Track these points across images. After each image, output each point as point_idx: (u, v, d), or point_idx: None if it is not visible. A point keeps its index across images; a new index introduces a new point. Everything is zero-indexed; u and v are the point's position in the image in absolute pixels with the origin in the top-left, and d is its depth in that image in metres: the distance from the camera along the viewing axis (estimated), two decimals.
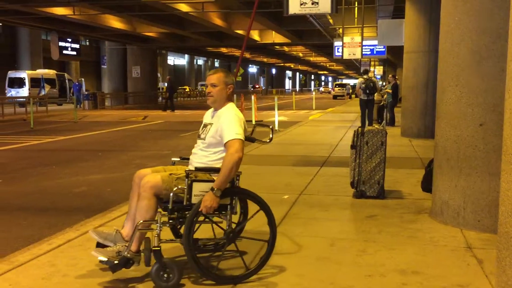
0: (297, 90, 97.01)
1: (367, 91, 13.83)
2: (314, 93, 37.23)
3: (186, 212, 3.28)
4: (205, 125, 3.59)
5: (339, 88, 52.73)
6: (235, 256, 3.66)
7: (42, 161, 9.95)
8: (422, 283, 3.29)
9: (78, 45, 30.71)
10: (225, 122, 3.39)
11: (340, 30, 23.52)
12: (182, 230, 3.41)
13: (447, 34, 4.66)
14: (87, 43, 52.28)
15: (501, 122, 4.27)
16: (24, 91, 31.25)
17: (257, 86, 77.27)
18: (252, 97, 18.86)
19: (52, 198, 6.73)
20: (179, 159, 3.79)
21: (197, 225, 3.42)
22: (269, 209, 3.43)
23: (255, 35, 35.56)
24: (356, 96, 15.81)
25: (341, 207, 5.44)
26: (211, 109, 3.65)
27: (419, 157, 8.99)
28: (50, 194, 6.96)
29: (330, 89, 72.02)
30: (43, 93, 32.02)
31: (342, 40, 22.68)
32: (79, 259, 3.78)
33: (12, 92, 31.53)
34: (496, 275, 2.23)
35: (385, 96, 16.33)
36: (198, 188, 3.27)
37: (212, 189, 3.18)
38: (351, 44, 22.52)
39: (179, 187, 3.28)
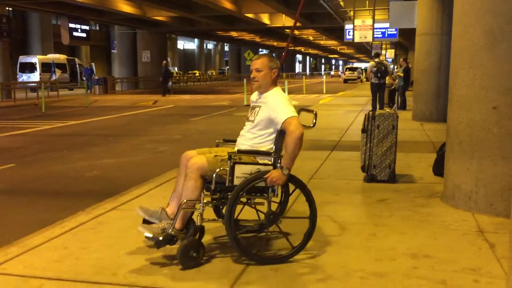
0: (308, 74, 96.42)
1: (379, 75, 13.70)
2: (324, 77, 37.00)
3: (228, 193, 3.33)
4: (253, 108, 3.64)
5: (350, 71, 52.32)
6: (279, 237, 3.74)
7: (54, 145, 10.03)
8: (433, 267, 3.28)
9: (88, 29, 30.70)
10: (277, 103, 3.45)
11: (351, 13, 23.27)
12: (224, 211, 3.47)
13: (461, 16, 4.58)
14: (97, 27, 52.30)
15: None
16: (35, 76, 31.41)
17: None
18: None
19: (64, 182, 6.79)
20: (222, 141, 3.87)
21: (240, 206, 3.47)
22: (306, 186, 3.50)
23: (265, 18, 35.32)
24: (367, 80, 15.68)
25: (352, 191, 5.43)
26: (256, 93, 3.71)
27: (430, 141, 8.93)
28: (62, 178, 7.02)
29: (340, 73, 71.53)
30: (54, 78, 32.18)
31: (353, 23, 22.42)
32: (91, 242, 3.82)
33: (24, 77, 31.72)
34: (509, 259, 2.21)
35: (396, 80, 16.19)
36: (240, 170, 3.33)
37: (281, 167, 3.26)
38: (362, 27, 22.26)
39: (223, 168, 3.34)
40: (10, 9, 35.76)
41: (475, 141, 4.44)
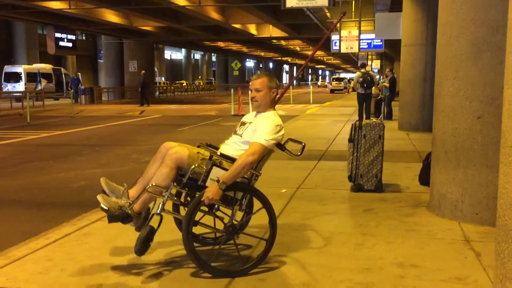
0: (294, 84, 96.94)
1: (365, 85, 13.81)
2: (311, 87, 37.17)
3: (196, 193, 3.30)
4: (244, 123, 3.63)
5: (337, 82, 52.65)
6: (236, 250, 3.65)
7: (39, 155, 9.92)
8: (420, 276, 3.29)
9: (75, 39, 30.55)
10: (263, 126, 3.43)
11: (338, 24, 23.45)
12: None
13: (445, 26, 4.65)
14: (84, 37, 52.06)
15: (499, 114, 4.27)
16: (21, 86, 31.15)
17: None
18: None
19: (49, 192, 6.71)
20: (205, 144, 3.84)
21: (201, 214, 3.43)
22: (272, 209, 3.43)
23: (252, 29, 35.47)
24: (354, 90, 15.80)
25: (339, 201, 5.43)
26: (253, 112, 3.72)
27: (416, 151, 8.99)
28: (47, 189, 6.93)
29: (327, 83, 72.03)
30: (39, 87, 31.91)
31: (340, 34, 22.64)
32: (76, 253, 3.77)
33: (9, 87, 31.43)
34: (495, 268, 2.22)
35: (382, 90, 16.32)
36: (216, 173, 3.29)
37: (217, 180, 3.18)
38: (349, 37, 22.50)
39: (199, 165, 3.30)
40: None
41: (460, 150, 4.48)
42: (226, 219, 3.44)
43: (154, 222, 3.34)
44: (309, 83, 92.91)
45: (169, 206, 3.50)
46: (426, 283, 3.17)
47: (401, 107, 12.75)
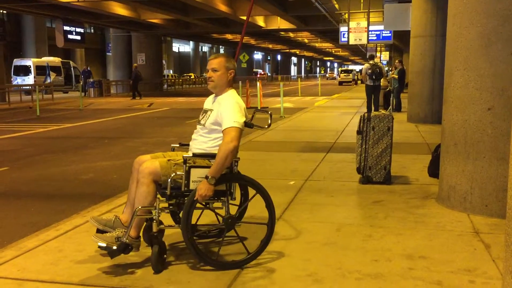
0: (303, 76, 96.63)
1: (374, 77, 13.73)
2: (319, 79, 37.05)
3: (185, 198, 3.27)
4: (205, 111, 3.56)
5: (345, 74, 52.41)
6: (237, 242, 3.64)
7: (49, 148, 9.99)
8: (429, 268, 3.28)
9: (83, 32, 30.62)
10: (225, 109, 3.35)
11: (346, 15, 23.32)
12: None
13: (455, 17, 4.60)
14: (92, 30, 52.20)
15: (510, 106, 4.24)
16: (30, 79, 31.32)
17: (262, 72, 76.99)
18: (258, 83, 18.81)
19: (59, 185, 6.76)
20: (178, 145, 3.79)
21: (199, 211, 3.42)
22: (266, 192, 3.39)
23: (260, 21, 35.35)
24: (362, 82, 15.73)
25: (347, 193, 5.43)
26: (212, 95, 3.63)
27: (425, 143, 8.95)
28: (57, 181, 6.99)
29: (335, 75, 71.82)
30: (48, 80, 32.08)
31: (348, 26, 22.50)
32: (86, 244, 3.80)
33: (18, 80, 31.62)
34: (504, 259, 2.21)
35: (390, 82, 16.23)
36: (196, 174, 3.26)
37: (206, 177, 3.15)
38: (357, 29, 22.35)
39: (177, 173, 3.27)
40: (5, 12, 35.69)
41: (470, 142, 4.45)
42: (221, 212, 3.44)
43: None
44: (317, 75, 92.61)
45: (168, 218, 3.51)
46: (435, 275, 3.16)
47: (410, 99, 12.67)
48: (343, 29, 24.18)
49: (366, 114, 5.84)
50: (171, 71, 57.21)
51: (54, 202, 5.82)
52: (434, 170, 5.80)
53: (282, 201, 4.98)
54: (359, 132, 5.82)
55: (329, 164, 7.04)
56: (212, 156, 3.31)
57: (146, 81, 37.27)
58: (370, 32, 22.03)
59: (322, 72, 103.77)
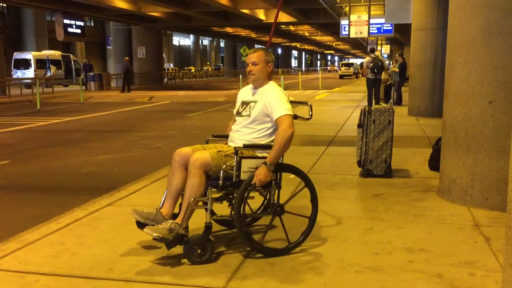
0: (303, 70, 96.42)
1: (375, 70, 13.70)
2: (320, 72, 36.99)
3: (236, 189, 3.34)
4: (246, 103, 3.63)
5: (346, 67, 52.30)
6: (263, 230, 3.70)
7: (49, 141, 9.99)
8: (429, 261, 3.29)
9: (83, 26, 30.55)
10: (274, 99, 3.46)
11: (347, 8, 23.26)
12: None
13: (456, 10, 4.58)
14: (92, 24, 52.07)
15: (511, 99, 4.23)
16: (30, 73, 31.29)
17: None
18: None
19: (60, 178, 6.77)
20: (212, 137, 3.84)
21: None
22: (313, 186, 3.55)
23: (260, 14, 35.23)
24: (363, 76, 15.70)
25: (348, 186, 5.43)
26: (248, 87, 3.72)
27: (426, 136, 8.94)
28: (58, 174, 7.00)
29: (336, 68, 71.80)
30: (49, 74, 32.04)
31: (349, 19, 22.44)
32: (88, 237, 3.81)
33: (18, 74, 31.59)
34: (505, 252, 2.21)
35: (391, 75, 16.20)
36: (246, 164, 3.33)
37: (265, 163, 3.25)
38: (358, 22, 22.28)
39: (228, 164, 3.32)
40: (4, 5, 35.58)
41: (471, 135, 4.45)
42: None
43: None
44: (318, 68, 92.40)
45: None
46: (435, 268, 3.17)
47: (411, 92, 12.65)
48: (344, 22, 24.12)
49: (367, 108, 5.83)
50: (171, 65, 57.12)
51: (55, 195, 5.83)
52: (434, 163, 5.80)
53: (283, 194, 4.98)
54: (359, 125, 5.81)
55: (330, 158, 7.04)
56: (261, 147, 3.44)
57: (146, 74, 37.29)
58: (371, 25, 21.97)
59: (323, 65, 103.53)
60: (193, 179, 3.26)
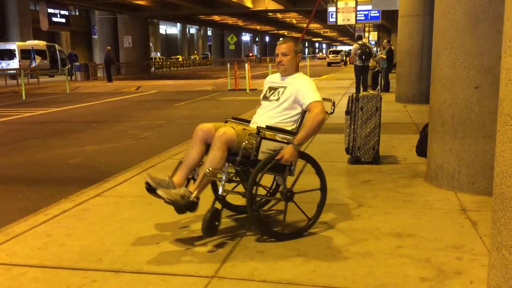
0: None
1: (363, 57, 13.72)
2: (308, 60, 36.92)
3: (251, 168, 3.39)
4: (275, 88, 3.70)
5: (334, 55, 52.23)
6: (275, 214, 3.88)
7: (36, 133, 9.89)
8: (416, 246, 3.32)
9: (68, 15, 30.13)
10: (306, 86, 3.57)
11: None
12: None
13: None
14: (77, 13, 51.38)
15: (496, 84, 4.25)
16: (15, 63, 30.82)
17: (250, 54, 76.54)
18: (246, 65, 18.71)
19: (47, 169, 6.71)
20: (231, 118, 3.91)
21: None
22: (323, 174, 3.67)
23: (247, 2, 35.01)
24: (351, 63, 15.72)
25: (336, 173, 5.45)
26: (276, 74, 3.81)
27: (413, 122, 8.99)
28: (45, 165, 6.93)
29: (325, 55, 71.79)
30: (34, 64, 31.61)
31: (336, 6, 22.38)
32: (76, 229, 3.78)
33: (3, 64, 31.10)
34: (491, 235, 2.24)
35: (379, 62, 16.22)
36: (265, 145, 3.40)
37: (292, 143, 3.35)
38: (345, 9, 22.23)
39: (249, 142, 3.38)
40: None
41: (458, 121, 4.48)
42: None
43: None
44: (306, 56, 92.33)
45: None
46: (423, 252, 3.20)
47: (398, 79, 12.70)
48: (331, 9, 24.05)
49: (354, 95, 5.84)
50: (158, 54, 56.65)
51: (42, 187, 5.78)
52: (422, 149, 5.84)
53: (270, 182, 4.98)
54: (347, 112, 5.82)
55: (318, 145, 7.05)
56: (284, 131, 3.52)
57: (133, 64, 36.97)
58: (358, 12, 21.93)
59: (311, 52, 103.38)
60: (217, 152, 3.32)
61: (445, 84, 4.56)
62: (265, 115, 3.64)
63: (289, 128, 3.57)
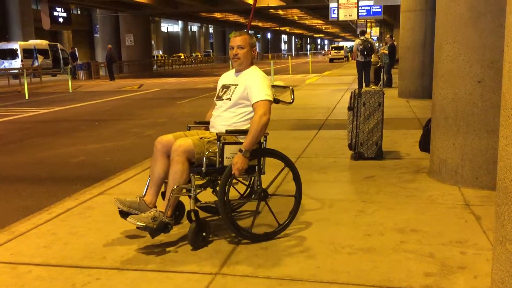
0: (293, 54, 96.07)
1: (365, 53, 13.68)
2: (310, 56, 36.87)
3: (219, 175, 3.32)
4: (227, 86, 3.57)
5: (336, 51, 52.06)
6: (250, 216, 3.79)
7: (39, 132, 9.91)
8: (420, 241, 3.31)
9: (69, 14, 30.14)
10: (254, 83, 3.40)
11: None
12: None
13: None
14: (79, 12, 51.40)
15: (499, 78, 4.23)
16: (17, 63, 30.85)
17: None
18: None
19: (50, 168, 6.72)
20: (193, 123, 3.82)
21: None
22: (294, 165, 3.57)
23: None
24: (353, 59, 15.68)
25: (340, 169, 5.44)
26: (230, 71, 3.67)
27: (416, 117, 8.97)
28: (48, 164, 6.95)
29: (328, 51, 71.70)
30: (36, 64, 31.64)
31: (338, 1, 22.31)
32: (80, 227, 3.79)
33: (5, 64, 31.14)
34: (495, 230, 2.23)
35: (381, 57, 16.17)
36: (229, 150, 3.31)
37: (240, 150, 3.21)
38: (347, 5, 22.17)
39: (211, 150, 3.29)
40: None
41: (461, 115, 4.46)
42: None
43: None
44: (308, 52, 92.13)
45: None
46: (427, 247, 3.19)
47: (400, 74, 12.66)
48: (333, 5, 23.96)
49: (357, 90, 5.83)
50: (160, 52, 56.66)
51: (46, 186, 5.79)
52: (425, 144, 5.82)
53: (267, 179, 5.00)
54: (350, 108, 5.81)
55: (321, 141, 7.05)
56: (243, 132, 3.37)
57: (135, 62, 36.97)
58: (360, 8, 21.88)
59: (313, 48, 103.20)
60: (176, 166, 3.22)
61: (447, 79, 4.54)
62: (221, 117, 3.52)
63: (246, 127, 3.40)
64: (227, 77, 3.68)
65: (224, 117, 3.50)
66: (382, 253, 3.14)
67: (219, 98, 3.58)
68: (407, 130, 7.65)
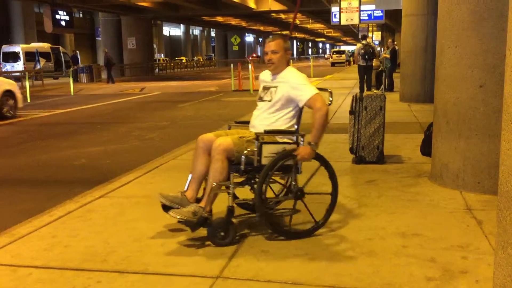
0: (295, 58, 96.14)
1: (366, 57, 13.69)
2: (311, 60, 36.88)
3: (256, 174, 3.41)
4: (267, 88, 3.68)
5: (337, 55, 52.08)
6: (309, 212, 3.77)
7: (41, 134, 9.92)
8: (422, 245, 3.30)
9: (72, 17, 30.18)
10: (298, 82, 3.53)
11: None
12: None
13: None
14: (81, 15, 51.51)
15: (501, 83, 4.23)
16: (19, 65, 30.91)
17: (254, 55, 76.49)
18: (250, 66, 18.72)
19: (52, 171, 6.72)
20: (234, 123, 3.94)
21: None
22: (329, 164, 3.64)
23: (251, 2, 35.02)
24: (354, 63, 15.70)
25: (341, 173, 5.40)
26: (266, 72, 3.77)
27: (418, 122, 8.96)
28: (50, 167, 6.95)
29: (329, 56, 71.76)
30: (38, 67, 31.70)
31: (339, 6, 22.36)
32: (80, 230, 3.79)
33: (7, 67, 31.19)
34: (497, 234, 2.22)
35: (382, 62, 16.18)
36: (267, 150, 3.40)
37: (309, 143, 3.38)
38: (349, 9, 22.21)
39: (249, 149, 3.38)
40: None
41: (462, 120, 4.46)
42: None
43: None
44: (309, 56, 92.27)
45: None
46: (428, 252, 3.18)
47: (402, 79, 12.66)
48: (334, 9, 24.03)
49: (358, 94, 5.83)
50: (162, 55, 56.74)
51: (47, 188, 5.79)
52: (426, 148, 5.82)
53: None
54: (351, 112, 5.81)
55: (322, 145, 6.98)
56: (282, 132, 3.53)
57: (137, 65, 37.02)
58: (361, 12, 21.92)
59: (314, 52, 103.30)
60: (216, 164, 3.34)
61: (449, 83, 4.54)
62: (260, 117, 3.63)
63: (285, 127, 3.56)
64: (266, 78, 3.77)
65: (263, 118, 3.61)
66: (383, 257, 3.13)
67: (261, 99, 3.70)
68: (409, 134, 7.64)
